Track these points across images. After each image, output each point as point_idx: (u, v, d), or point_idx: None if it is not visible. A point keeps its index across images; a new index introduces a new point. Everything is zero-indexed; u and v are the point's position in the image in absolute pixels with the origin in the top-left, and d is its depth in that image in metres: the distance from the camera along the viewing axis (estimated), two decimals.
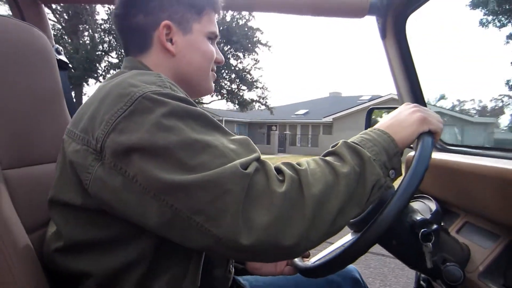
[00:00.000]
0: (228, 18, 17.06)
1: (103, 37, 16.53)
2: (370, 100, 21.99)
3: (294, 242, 0.49)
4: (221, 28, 16.84)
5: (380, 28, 1.12)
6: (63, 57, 1.05)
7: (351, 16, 1.06)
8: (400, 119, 0.64)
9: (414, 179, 0.59)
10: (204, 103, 23.78)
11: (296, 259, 0.82)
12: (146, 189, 0.50)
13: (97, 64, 16.23)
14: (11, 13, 1.06)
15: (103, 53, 16.48)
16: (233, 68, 18.18)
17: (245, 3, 1.12)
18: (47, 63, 0.83)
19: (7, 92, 0.71)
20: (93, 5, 14.40)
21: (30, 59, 0.78)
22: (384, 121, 0.65)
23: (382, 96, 20.73)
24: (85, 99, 5.54)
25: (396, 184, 0.61)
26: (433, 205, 0.78)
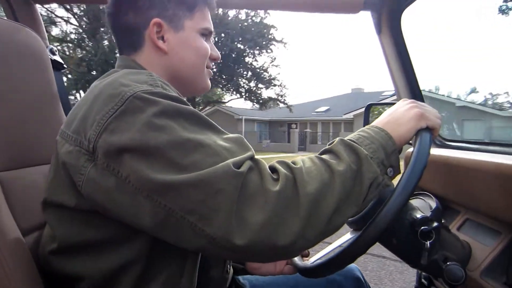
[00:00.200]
0: (243, 17, 17.01)
1: None
2: (392, 95, 21.69)
3: (290, 242, 0.48)
4: (237, 26, 16.76)
5: (375, 23, 1.12)
6: (57, 58, 1.04)
7: (346, 11, 1.06)
8: (397, 116, 0.63)
9: (413, 177, 0.58)
10: (223, 102, 23.69)
11: (295, 259, 0.81)
12: (138, 190, 0.49)
13: None
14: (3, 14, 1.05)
15: None
16: (249, 66, 18.04)
17: (240, 1, 1.12)
18: (41, 64, 0.83)
19: (0, 94, 0.70)
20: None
21: (23, 60, 0.78)
22: (381, 118, 0.65)
23: None
24: None
25: (395, 181, 0.60)
26: (433, 202, 0.76)
